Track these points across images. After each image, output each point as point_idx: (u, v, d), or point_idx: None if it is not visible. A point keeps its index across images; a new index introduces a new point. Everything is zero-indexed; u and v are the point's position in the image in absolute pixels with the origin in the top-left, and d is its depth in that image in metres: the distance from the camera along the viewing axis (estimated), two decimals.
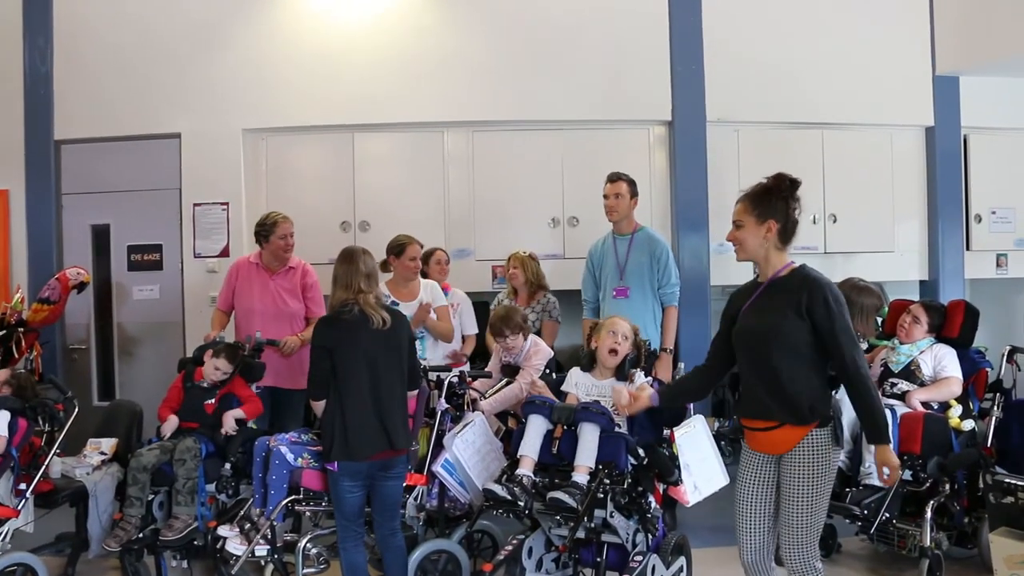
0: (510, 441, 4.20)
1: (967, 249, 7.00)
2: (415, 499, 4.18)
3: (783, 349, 3.13)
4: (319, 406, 3.87)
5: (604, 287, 5.28)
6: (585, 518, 3.61)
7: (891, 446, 3.13)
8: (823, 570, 3.19)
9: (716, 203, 6.42)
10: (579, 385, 4.14)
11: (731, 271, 6.54)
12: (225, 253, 6.39)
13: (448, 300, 5.51)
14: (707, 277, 6.54)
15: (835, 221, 6.66)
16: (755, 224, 3.21)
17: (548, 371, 4.78)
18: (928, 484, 4.34)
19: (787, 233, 3.21)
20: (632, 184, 5.24)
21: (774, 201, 3.20)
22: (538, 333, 5.67)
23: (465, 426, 4.32)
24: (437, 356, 5.26)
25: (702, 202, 6.53)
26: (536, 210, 6.58)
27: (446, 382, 4.39)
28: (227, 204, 6.42)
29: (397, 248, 5.17)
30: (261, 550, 3.97)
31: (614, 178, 5.24)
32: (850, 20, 6.75)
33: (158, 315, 6.50)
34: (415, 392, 4.10)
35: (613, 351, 4.07)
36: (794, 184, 3.22)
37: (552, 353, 4.98)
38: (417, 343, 5.04)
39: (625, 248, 5.22)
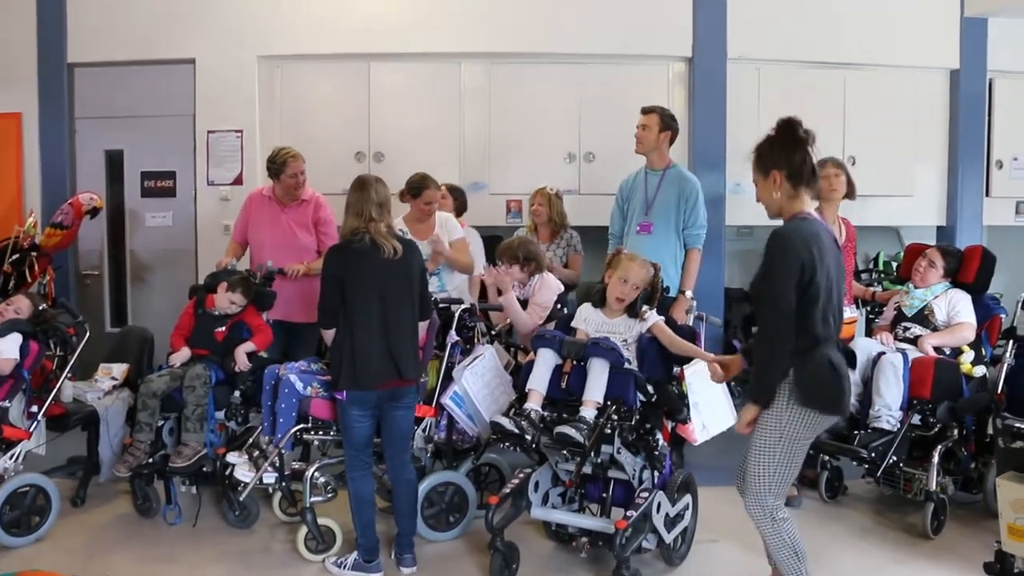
0: (519, 375, 4.16)
1: (986, 195, 6.84)
2: (423, 431, 4.17)
3: (759, 301, 3.14)
4: (328, 335, 3.81)
5: (630, 221, 5.15)
6: (592, 453, 3.59)
7: (758, 409, 3.10)
8: (788, 519, 3.17)
9: (734, 143, 6.29)
10: (589, 321, 4.08)
11: (747, 211, 6.46)
12: (239, 181, 6.29)
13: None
14: (723, 217, 6.42)
15: (854, 163, 6.49)
16: (762, 180, 3.21)
17: (559, 306, 4.73)
18: (936, 429, 4.32)
19: (797, 177, 3.13)
20: (665, 117, 5.04)
21: (775, 150, 3.16)
22: (565, 267, 5.70)
23: (475, 359, 4.28)
24: (452, 288, 5.16)
25: (720, 142, 6.39)
26: (552, 145, 6.45)
27: (456, 314, 4.32)
28: (241, 132, 6.30)
29: (414, 189, 5.03)
30: (269, 478, 3.96)
31: (647, 110, 5.07)
32: None
33: (171, 242, 6.44)
34: (426, 323, 4.03)
35: (619, 299, 4.01)
36: (791, 128, 3.13)
37: (561, 288, 4.89)
38: (434, 279, 5.00)
39: (656, 183, 5.06)
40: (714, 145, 6.40)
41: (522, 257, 4.77)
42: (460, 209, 5.76)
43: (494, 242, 5.57)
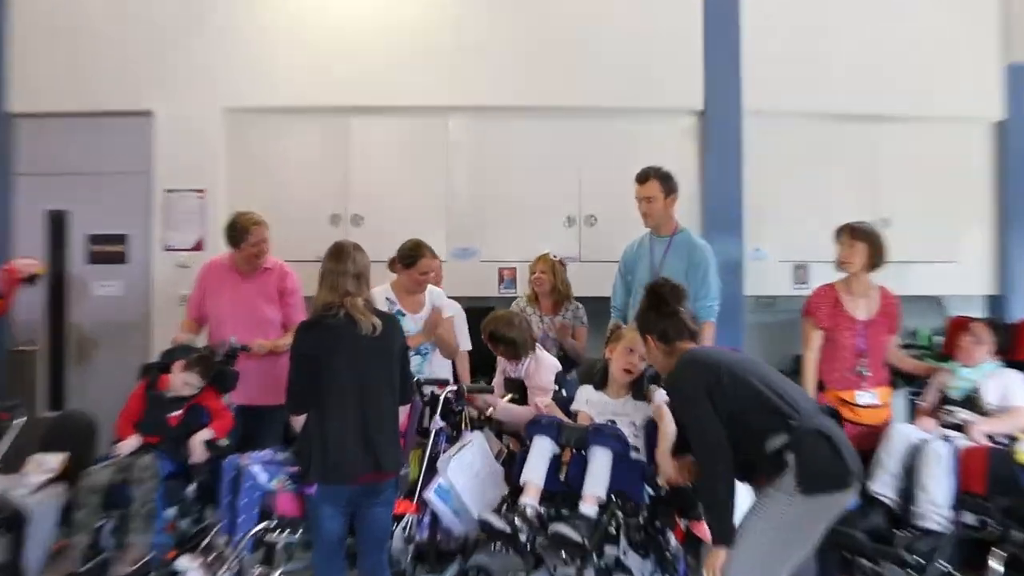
0: (512, 466, 4.18)
1: None
2: (403, 530, 4.14)
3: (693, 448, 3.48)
4: (298, 421, 3.83)
5: (634, 293, 5.19)
6: (594, 556, 3.58)
7: (725, 551, 3.22)
8: None
9: (752, 204, 6.41)
10: (591, 404, 4.12)
11: (768, 279, 6.60)
12: (199, 247, 6.34)
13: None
14: (741, 286, 6.47)
15: (889, 226, 6.54)
16: (645, 343, 3.72)
17: (556, 387, 4.75)
18: (993, 529, 4.24)
19: (666, 338, 3.59)
20: (665, 180, 5.15)
21: (644, 316, 3.68)
22: (572, 338, 5.79)
23: (462, 447, 4.29)
24: (434, 369, 5.20)
25: (735, 202, 6.48)
26: (550, 207, 6.54)
27: (442, 398, 4.34)
28: (203, 192, 6.37)
29: (408, 259, 5.10)
30: None
31: (643, 178, 5.15)
32: (909, 0, 6.71)
33: (120, 314, 6.44)
34: (407, 407, 4.05)
35: (627, 371, 4.04)
36: (654, 295, 3.68)
37: (558, 366, 4.94)
38: (419, 359, 5.04)
39: (662, 251, 5.16)
40: (729, 206, 6.48)
41: (499, 346, 4.86)
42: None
43: (485, 314, 5.61)
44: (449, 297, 5.53)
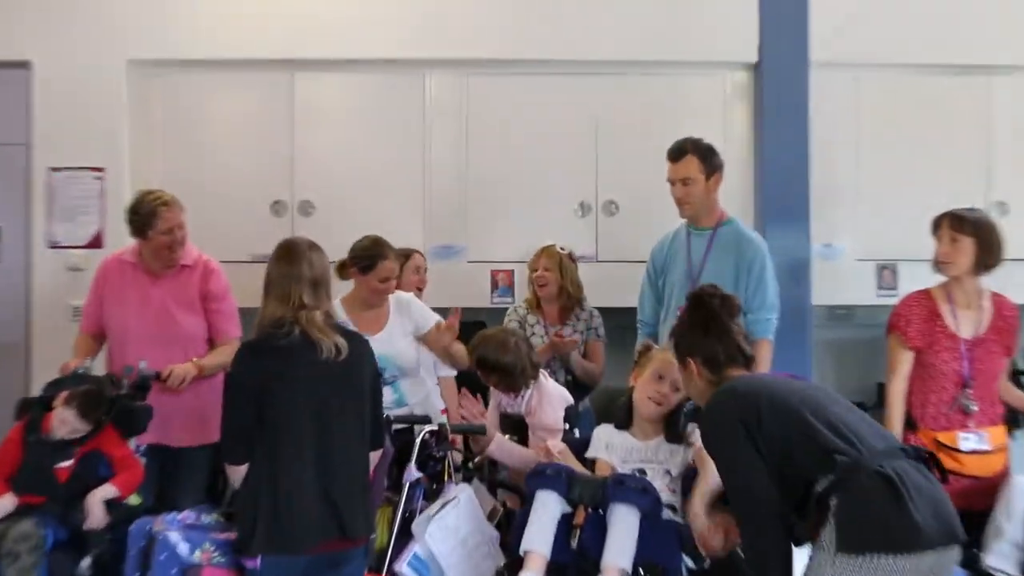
0: (509, 530, 4.18)
1: None
2: None
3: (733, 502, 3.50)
4: (236, 472, 3.87)
5: (667, 302, 5.23)
6: None
7: None
8: None
9: (823, 183, 6.43)
10: (612, 448, 4.16)
11: (844, 285, 6.64)
12: (97, 243, 6.34)
13: None
14: (807, 293, 6.48)
15: (1006, 214, 6.57)
16: (683, 370, 3.72)
17: (566, 425, 4.76)
18: None
19: (715, 364, 3.58)
20: (707, 156, 5.14)
21: (686, 334, 3.69)
22: (584, 356, 5.81)
23: (444, 504, 4.28)
24: (416, 400, 5.27)
25: (801, 182, 6.48)
26: (558, 191, 6.59)
27: (418, 441, 4.37)
28: (102, 171, 6.37)
29: (366, 260, 5.12)
30: None
31: (677, 154, 5.15)
32: None
33: None
34: (377, 453, 4.11)
35: (656, 403, 4.09)
36: (700, 305, 3.69)
37: (568, 398, 4.97)
38: (388, 389, 5.05)
39: (703, 248, 5.17)
40: (792, 188, 6.48)
41: (491, 376, 4.89)
42: None
43: (474, 330, 5.63)
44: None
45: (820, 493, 3.10)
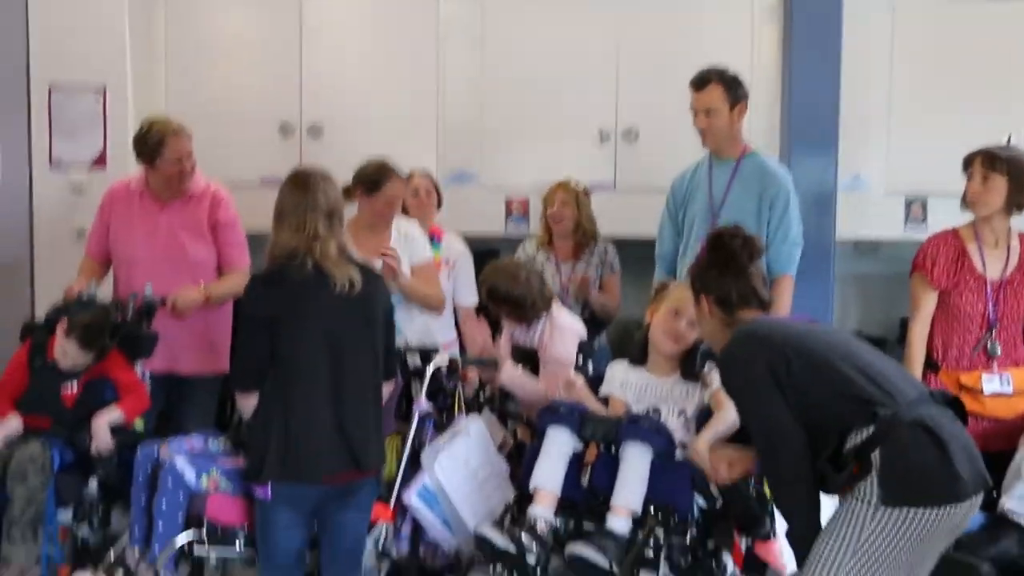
0: (520, 462, 4.26)
1: None
2: (376, 542, 4.21)
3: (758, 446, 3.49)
4: (248, 402, 3.90)
5: (687, 236, 5.25)
6: None
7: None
8: None
9: (852, 113, 6.39)
10: (627, 386, 4.19)
11: (870, 217, 6.67)
12: (100, 163, 6.33)
13: (442, 254, 5.55)
14: (832, 226, 6.49)
15: None
16: (696, 307, 3.70)
17: (580, 357, 4.81)
18: None
19: (728, 304, 3.58)
20: (731, 86, 5.10)
21: (703, 272, 3.66)
22: (599, 291, 5.83)
23: (454, 437, 4.35)
24: (413, 331, 5.24)
25: (830, 112, 6.43)
26: (576, 117, 6.55)
27: (429, 371, 4.41)
28: (103, 89, 6.34)
29: (371, 181, 5.12)
30: None
31: (700, 83, 5.11)
32: None
33: None
34: (389, 385, 4.15)
35: (672, 340, 4.13)
36: (720, 244, 3.66)
37: (582, 331, 4.99)
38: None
39: (725, 180, 5.16)
40: (821, 117, 6.43)
41: (502, 307, 4.92)
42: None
43: (487, 258, 5.67)
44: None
45: (860, 445, 3.12)
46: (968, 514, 3.21)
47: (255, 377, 3.84)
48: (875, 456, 3.10)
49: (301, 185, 3.92)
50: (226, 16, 6.61)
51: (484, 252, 5.96)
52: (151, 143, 5.07)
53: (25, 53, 6.33)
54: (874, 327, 6.90)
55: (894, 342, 6.66)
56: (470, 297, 5.63)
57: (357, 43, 6.60)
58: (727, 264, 3.58)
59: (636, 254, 5.92)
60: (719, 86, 5.08)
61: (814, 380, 3.21)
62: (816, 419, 3.20)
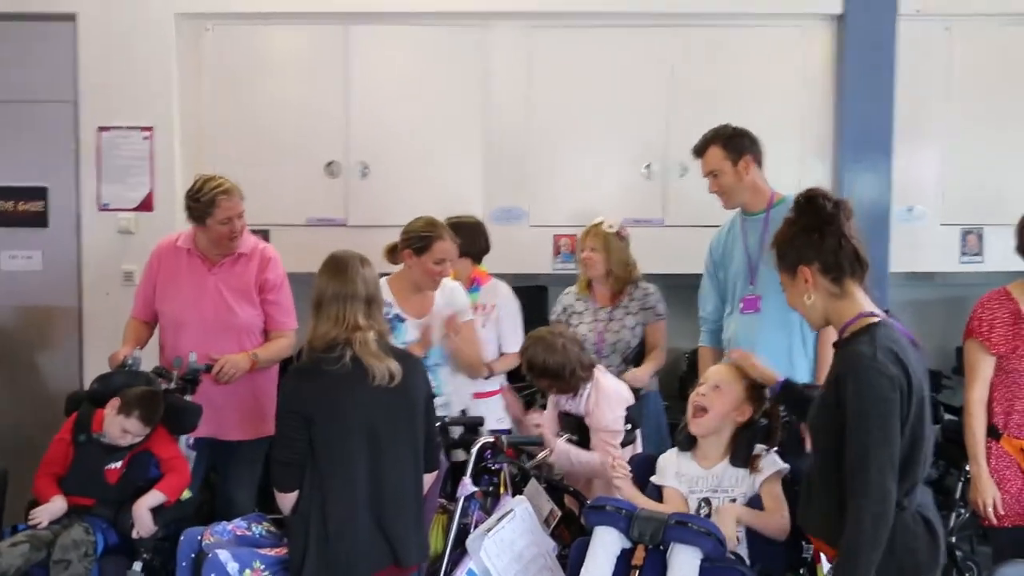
0: (568, 529, 4.27)
1: None
2: None
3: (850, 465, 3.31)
4: (287, 500, 3.87)
5: (732, 295, 5.11)
6: None
7: None
8: None
9: (907, 143, 6.34)
10: (681, 477, 4.10)
11: (926, 250, 6.55)
12: (148, 205, 6.36)
13: (479, 300, 5.49)
14: (886, 259, 6.37)
15: None
16: (790, 281, 3.50)
17: (627, 426, 4.75)
18: None
19: (835, 268, 3.35)
20: (728, 142, 4.98)
21: (797, 238, 3.42)
22: (640, 343, 5.66)
23: (501, 518, 4.29)
24: (458, 393, 5.23)
25: (884, 141, 6.39)
26: (624, 151, 6.53)
27: (474, 452, 4.36)
28: (151, 129, 6.37)
29: (420, 241, 5.03)
30: None
31: (699, 149, 5.04)
32: None
33: (38, 296, 6.42)
34: (432, 475, 4.12)
35: (697, 412, 4.05)
36: (814, 204, 3.40)
37: (629, 396, 4.90)
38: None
39: (758, 233, 5.00)
40: (874, 146, 6.40)
41: (544, 384, 4.88)
42: (479, 254, 5.80)
43: (535, 295, 5.57)
44: (492, 275, 5.62)
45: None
46: None
47: (294, 474, 3.83)
48: None
49: (340, 273, 3.91)
50: (272, 56, 6.59)
51: (532, 288, 5.89)
52: (203, 202, 4.99)
53: (74, 94, 6.39)
54: (929, 358, 6.73)
55: (951, 373, 6.56)
56: (513, 343, 5.52)
57: (403, 82, 6.57)
58: (827, 224, 3.36)
59: (685, 295, 5.75)
60: (715, 147, 4.99)
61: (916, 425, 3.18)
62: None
